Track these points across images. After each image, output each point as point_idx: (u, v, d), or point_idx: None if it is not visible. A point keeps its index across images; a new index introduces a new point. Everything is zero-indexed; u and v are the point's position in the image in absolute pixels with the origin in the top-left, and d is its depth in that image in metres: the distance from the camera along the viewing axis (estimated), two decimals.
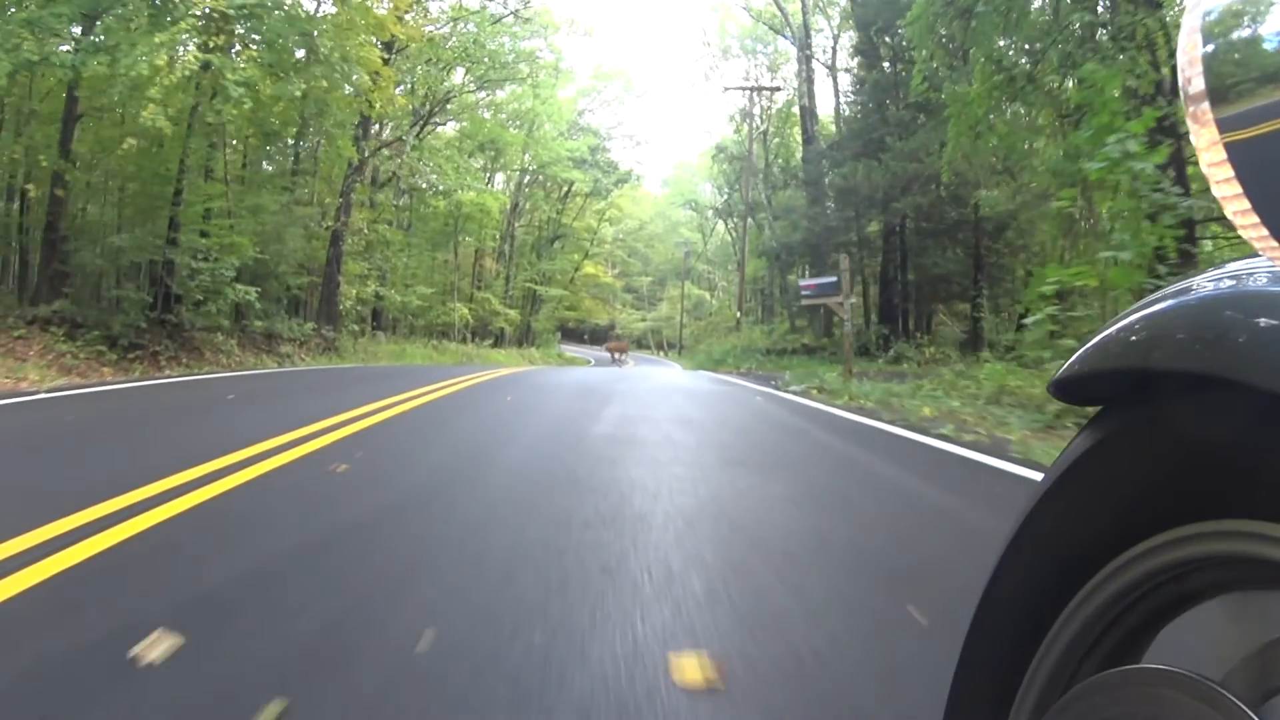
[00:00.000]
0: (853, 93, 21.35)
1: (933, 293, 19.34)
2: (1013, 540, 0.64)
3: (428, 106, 30.69)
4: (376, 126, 26.61)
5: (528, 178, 43.94)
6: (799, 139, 48.10)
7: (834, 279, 9.97)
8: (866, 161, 16.84)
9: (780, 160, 49.18)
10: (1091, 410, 0.63)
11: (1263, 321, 0.46)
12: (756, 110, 48.75)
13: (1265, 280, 0.50)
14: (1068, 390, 0.62)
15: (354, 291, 21.48)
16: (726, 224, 59.08)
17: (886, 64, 19.55)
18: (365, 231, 22.04)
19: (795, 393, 9.10)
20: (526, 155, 38.20)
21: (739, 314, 28.11)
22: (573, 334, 76.15)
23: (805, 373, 11.99)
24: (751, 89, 32.87)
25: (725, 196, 57.80)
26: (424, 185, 33.08)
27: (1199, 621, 0.56)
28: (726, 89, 37.06)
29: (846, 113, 23.08)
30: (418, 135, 28.98)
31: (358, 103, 16.96)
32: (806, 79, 27.19)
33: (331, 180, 24.02)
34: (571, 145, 39.15)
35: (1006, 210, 17.44)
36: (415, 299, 27.73)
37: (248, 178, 21.47)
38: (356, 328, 21.43)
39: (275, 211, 19.62)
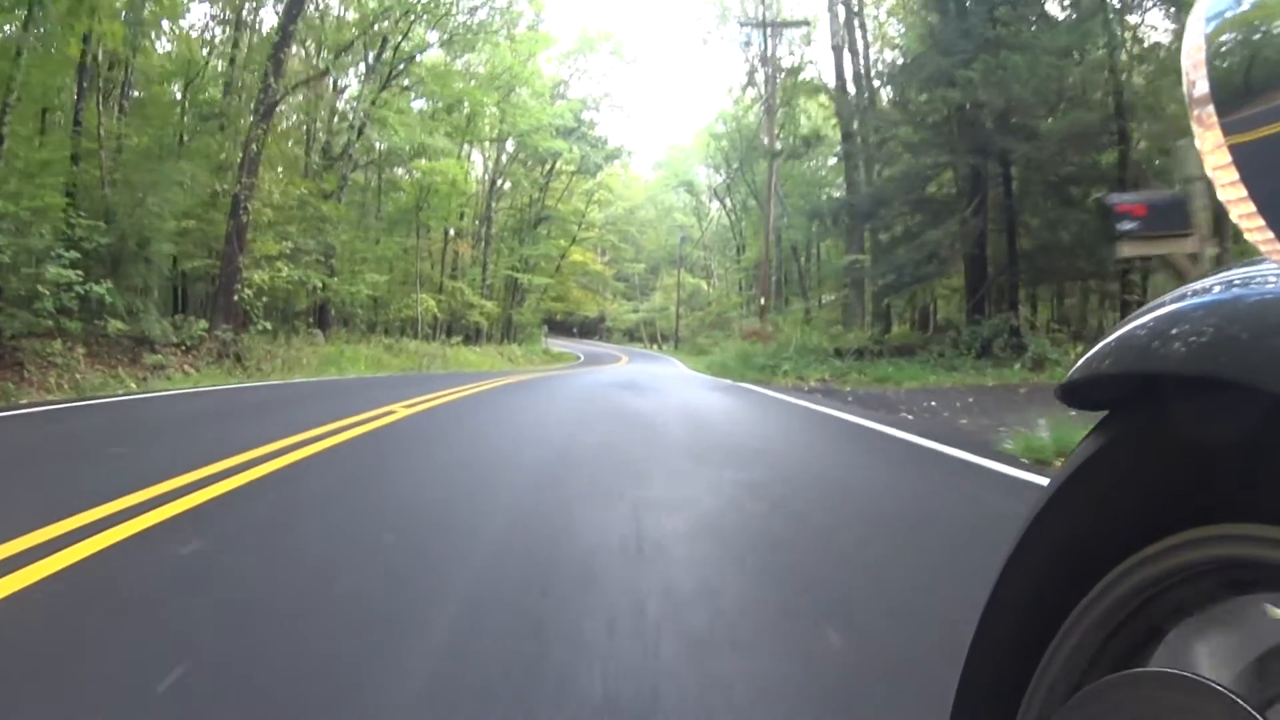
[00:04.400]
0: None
1: (1048, 269, 13.57)
2: (1019, 544, 0.62)
3: (387, 67, 24.66)
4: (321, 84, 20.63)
5: (506, 156, 37.90)
6: (810, 111, 42.31)
7: (1170, 195, 4.22)
8: (987, 60, 10.70)
9: (789, 137, 43.40)
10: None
11: (1268, 325, 0.45)
12: (760, 77, 42.94)
13: (1271, 284, 0.48)
14: (1075, 395, 0.60)
15: (264, 277, 15.50)
16: (725, 205, 53.20)
17: None
18: (276, 196, 16.01)
19: None
20: (504, 123, 32.15)
21: (762, 301, 22.01)
22: (561, 327, 70.49)
23: (1011, 401, 6.23)
24: (771, 25, 26.92)
25: (724, 177, 51.94)
26: (377, 148, 27.02)
27: (1207, 625, 0.54)
28: (743, 24, 30.86)
29: (905, 35, 17.25)
30: (374, 98, 22.97)
31: None
32: (845, 11, 21.32)
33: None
34: (555, 111, 33.13)
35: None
36: (364, 289, 21.72)
37: (174, 147, 15.66)
38: (268, 326, 15.45)
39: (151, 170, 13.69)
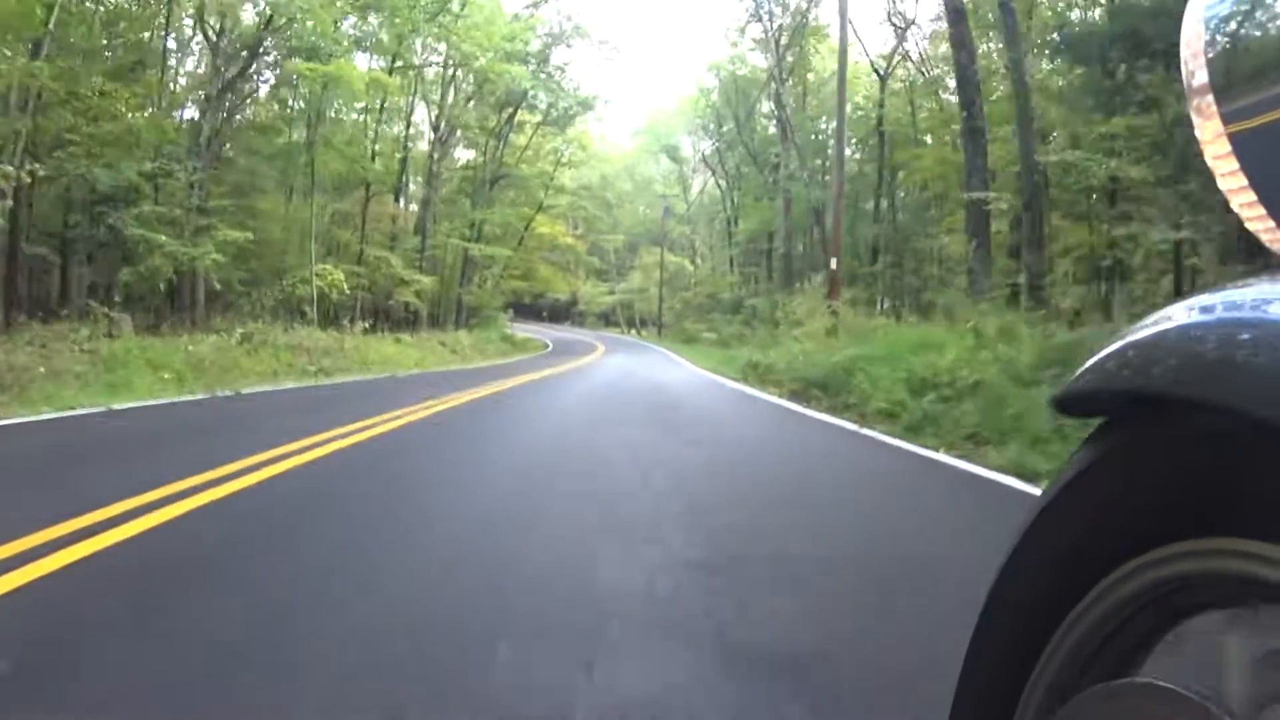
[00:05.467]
0: None
1: None
2: (1015, 550, 0.62)
3: None
4: None
5: (451, 101, 30.47)
6: (820, 52, 35.16)
7: None
8: None
9: (799, 84, 36.28)
10: None
11: (1251, 349, 0.46)
12: (766, 10, 35.73)
13: (1258, 305, 0.49)
14: (1069, 406, 0.60)
15: None
16: (715, 173, 45.88)
17: None
18: None
19: None
20: (446, 47, 24.72)
21: (833, 264, 14.38)
22: (529, 311, 63.64)
23: None
24: None
25: (714, 140, 44.53)
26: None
27: (1195, 637, 0.55)
28: None
29: None
30: None
31: None
32: None
33: None
34: (511, 30, 25.79)
35: None
36: (211, 252, 14.38)
37: None
38: None
39: None
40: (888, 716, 1.83)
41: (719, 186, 46.41)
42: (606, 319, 60.46)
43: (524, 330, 46.19)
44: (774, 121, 35.37)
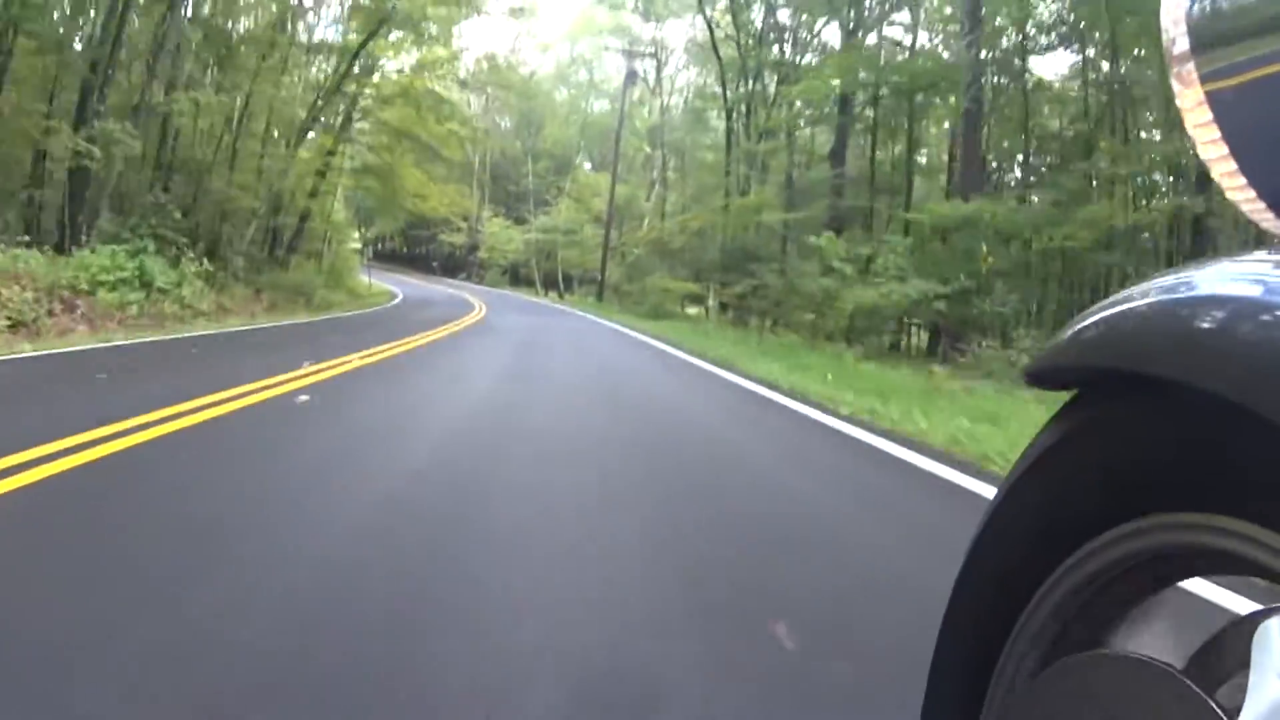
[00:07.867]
0: None
1: None
2: (985, 525, 0.63)
3: None
4: None
5: None
6: None
7: None
8: None
9: None
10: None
11: (1212, 326, 0.46)
12: None
13: (1221, 283, 0.48)
14: (1041, 378, 0.61)
15: None
16: (716, 29, 27.30)
17: None
18: None
19: None
20: None
21: None
22: (418, 262, 45.42)
23: None
24: None
25: None
26: None
27: (1163, 608, 0.56)
28: None
29: None
30: None
31: None
32: None
33: None
34: None
35: None
36: None
37: None
38: None
39: None
40: None
41: (717, 56, 28.10)
42: (514, 274, 41.41)
43: (385, 282, 28.04)
44: None
